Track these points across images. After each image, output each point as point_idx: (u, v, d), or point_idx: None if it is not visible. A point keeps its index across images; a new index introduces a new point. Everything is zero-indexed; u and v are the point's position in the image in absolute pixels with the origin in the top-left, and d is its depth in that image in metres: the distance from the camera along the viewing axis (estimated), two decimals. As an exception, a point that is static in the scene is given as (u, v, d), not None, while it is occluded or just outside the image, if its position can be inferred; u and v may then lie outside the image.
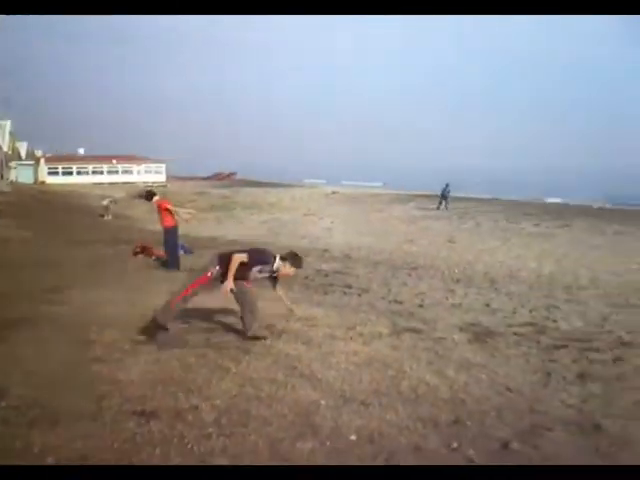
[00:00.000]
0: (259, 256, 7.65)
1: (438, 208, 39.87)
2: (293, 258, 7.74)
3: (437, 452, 4.55)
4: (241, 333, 7.56)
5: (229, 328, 7.93)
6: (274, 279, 7.87)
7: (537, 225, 30.78)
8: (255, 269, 7.57)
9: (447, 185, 41.21)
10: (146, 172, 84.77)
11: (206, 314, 8.52)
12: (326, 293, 12.08)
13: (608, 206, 47.02)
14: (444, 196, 40.94)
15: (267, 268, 7.64)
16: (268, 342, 7.24)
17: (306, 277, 14.20)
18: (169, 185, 74.34)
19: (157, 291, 9.85)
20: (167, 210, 14.39)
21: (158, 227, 15.41)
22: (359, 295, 12.20)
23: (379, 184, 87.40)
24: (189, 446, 4.39)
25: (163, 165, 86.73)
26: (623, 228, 28.89)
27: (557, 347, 8.24)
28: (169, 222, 14.35)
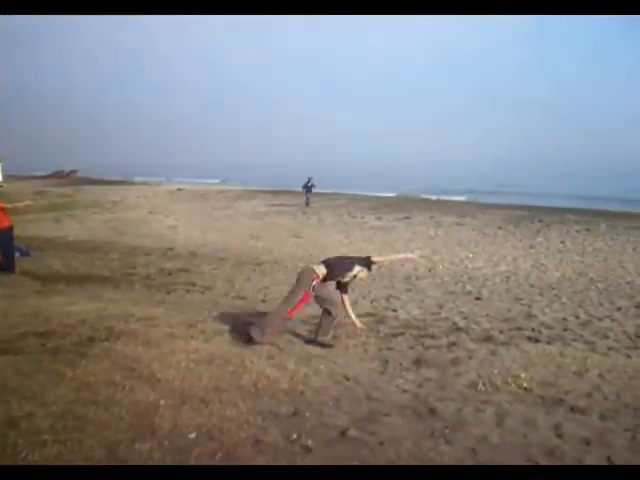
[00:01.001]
0: (341, 265, 8.00)
1: (307, 204, 39.20)
2: (369, 264, 8.12)
3: (276, 444, 4.64)
4: (79, 336, 7.39)
5: (66, 332, 7.66)
6: (344, 284, 8.19)
7: (379, 218, 31.56)
8: (339, 277, 7.98)
9: (309, 179, 40.81)
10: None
11: (44, 319, 8.26)
12: (168, 292, 11.96)
13: (444, 198, 49.09)
14: (308, 190, 40.48)
15: (349, 274, 8.00)
16: (106, 344, 7.07)
17: (147, 276, 14.05)
18: (5, 185, 70.79)
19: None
20: (1, 210, 13.77)
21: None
22: (202, 292, 12.18)
23: (217, 181, 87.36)
24: (23, 454, 4.25)
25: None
26: (459, 219, 30.18)
27: (395, 335, 8.58)
28: (3, 223, 13.73)
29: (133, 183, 74.71)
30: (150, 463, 4.24)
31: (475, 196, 51.98)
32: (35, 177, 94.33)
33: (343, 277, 8.03)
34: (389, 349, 7.79)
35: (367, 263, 8.12)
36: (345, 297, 8.29)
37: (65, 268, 15.05)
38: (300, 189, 41.67)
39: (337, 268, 7.94)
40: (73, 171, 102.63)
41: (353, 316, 8.46)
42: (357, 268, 8.03)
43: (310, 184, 40.50)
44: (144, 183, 75.47)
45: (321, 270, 7.81)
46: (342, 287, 8.20)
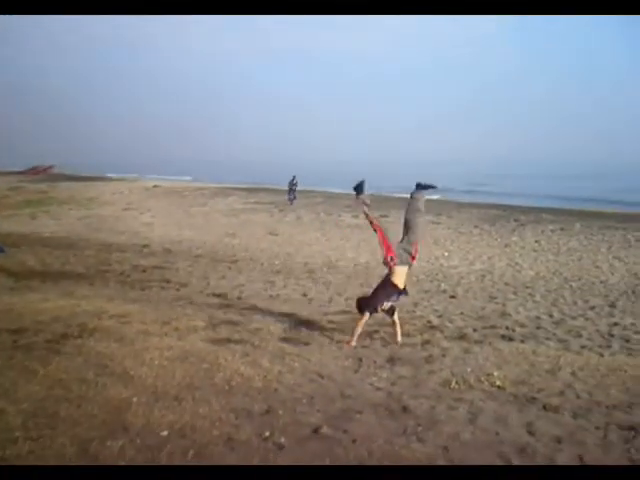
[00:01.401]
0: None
1: (291, 203, 38.94)
2: None
3: (249, 442, 4.62)
4: (52, 333, 7.33)
5: (39, 329, 7.60)
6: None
7: (356, 217, 31.47)
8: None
9: (294, 177, 40.50)
10: (-48, 168, 79.09)
11: (17, 315, 8.20)
12: (143, 289, 11.91)
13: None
14: (292, 189, 40.10)
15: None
16: (79, 341, 7.02)
17: (121, 273, 13.97)
18: (-20, 181, 69.83)
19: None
20: None
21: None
22: (177, 290, 12.13)
23: (188, 178, 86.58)
24: (-6, 451, 4.21)
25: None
26: (436, 218, 30.17)
27: (369, 333, 8.57)
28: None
29: (111, 179, 73.93)
30: (121, 461, 4.20)
31: (452, 195, 51.97)
32: (11, 173, 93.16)
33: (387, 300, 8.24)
34: (363, 347, 7.81)
35: None
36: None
37: (39, 264, 14.94)
38: (286, 187, 41.44)
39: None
40: (50, 167, 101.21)
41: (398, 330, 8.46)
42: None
43: (294, 182, 40.37)
44: (120, 179, 74.80)
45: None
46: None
